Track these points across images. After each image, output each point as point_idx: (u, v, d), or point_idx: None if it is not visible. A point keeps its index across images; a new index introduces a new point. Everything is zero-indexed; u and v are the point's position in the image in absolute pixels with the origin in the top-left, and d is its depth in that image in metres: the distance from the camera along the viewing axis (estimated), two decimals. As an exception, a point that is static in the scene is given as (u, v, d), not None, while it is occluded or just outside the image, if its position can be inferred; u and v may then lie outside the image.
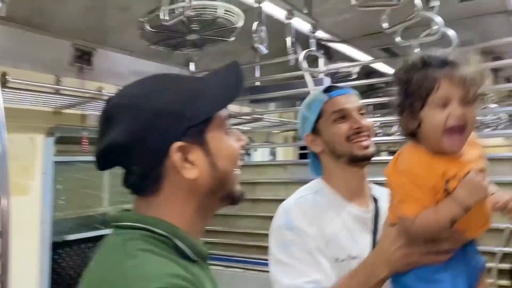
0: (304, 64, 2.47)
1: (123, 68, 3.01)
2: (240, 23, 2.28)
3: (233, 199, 0.82)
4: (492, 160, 2.69)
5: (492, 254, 2.39)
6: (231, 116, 3.89)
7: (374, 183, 1.38)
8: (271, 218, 1.25)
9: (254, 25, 1.88)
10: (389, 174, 0.94)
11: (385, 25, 1.60)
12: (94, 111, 2.74)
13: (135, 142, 0.74)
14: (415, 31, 1.81)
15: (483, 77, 0.89)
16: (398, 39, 1.66)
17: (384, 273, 0.97)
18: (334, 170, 1.26)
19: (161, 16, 1.73)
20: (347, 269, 1.11)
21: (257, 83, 3.60)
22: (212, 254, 3.54)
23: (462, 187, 0.86)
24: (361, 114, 1.27)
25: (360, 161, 1.23)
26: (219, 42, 2.52)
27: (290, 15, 2.20)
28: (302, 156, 4.25)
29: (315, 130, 1.27)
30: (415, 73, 0.89)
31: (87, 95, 2.67)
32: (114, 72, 2.94)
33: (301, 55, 2.57)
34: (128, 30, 2.77)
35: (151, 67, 3.19)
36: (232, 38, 2.44)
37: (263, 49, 1.95)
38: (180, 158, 0.74)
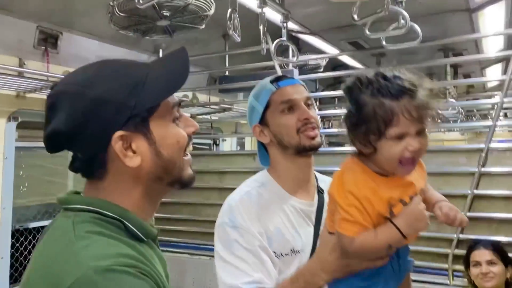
0: (276, 55, 2.50)
1: (90, 53, 2.94)
2: (211, 11, 2.28)
3: (182, 183, 0.83)
4: (451, 152, 2.83)
5: (448, 240, 2.52)
6: (197, 104, 3.88)
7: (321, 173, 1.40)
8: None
9: (228, 12, 1.88)
10: (333, 191, 0.94)
11: (355, 16, 1.64)
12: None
13: (77, 129, 0.75)
14: (382, 25, 1.87)
15: (436, 100, 0.89)
16: (367, 31, 1.71)
17: (323, 281, 1.00)
18: (281, 161, 1.26)
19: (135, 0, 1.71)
20: (291, 263, 1.14)
21: (227, 73, 3.61)
22: (180, 242, 3.58)
23: (404, 217, 0.89)
24: (308, 105, 1.26)
25: (307, 151, 1.23)
26: (189, 29, 2.50)
27: (263, 3, 2.21)
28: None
29: (263, 121, 1.27)
30: (371, 98, 0.87)
31: (52, 79, 2.60)
32: (80, 57, 2.87)
33: (273, 45, 2.59)
34: (96, 14, 2.71)
35: (119, 53, 3.13)
36: (203, 26, 2.43)
37: (237, 37, 1.96)
38: (122, 147, 0.75)
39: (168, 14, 2.29)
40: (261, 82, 1.32)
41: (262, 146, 1.33)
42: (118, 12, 2.17)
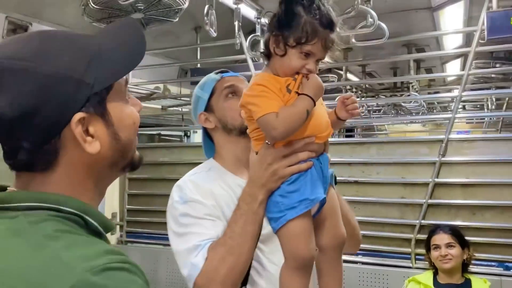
0: (249, 48, 2.57)
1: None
2: (185, 5, 2.31)
3: (133, 166, 0.76)
4: (413, 142, 2.98)
5: (411, 226, 2.68)
6: (169, 96, 3.90)
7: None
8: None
9: (206, 8, 1.92)
10: (245, 93, 1.05)
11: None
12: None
13: (26, 114, 0.62)
14: (350, 21, 1.97)
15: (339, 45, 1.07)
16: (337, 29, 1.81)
17: (261, 195, 1.06)
18: (226, 145, 1.33)
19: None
20: None
21: (198, 65, 3.64)
22: (152, 234, 3.61)
23: (307, 85, 1.03)
24: None
25: None
26: (163, 22, 2.53)
27: (239, 0, 2.27)
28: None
29: (208, 108, 1.34)
30: (306, 14, 1.00)
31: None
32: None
33: (247, 40, 2.66)
34: (66, 5, 2.69)
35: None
36: (176, 19, 2.46)
37: (213, 33, 2.01)
38: (82, 131, 0.65)
39: (142, 7, 2.31)
40: (206, 76, 1.40)
41: (206, 136, 1.40)
42: (92, 4, 2.18)
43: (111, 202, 3.51)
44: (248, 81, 1.12)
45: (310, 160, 1.05)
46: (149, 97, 3.24)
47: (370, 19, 1.79)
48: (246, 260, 1.09)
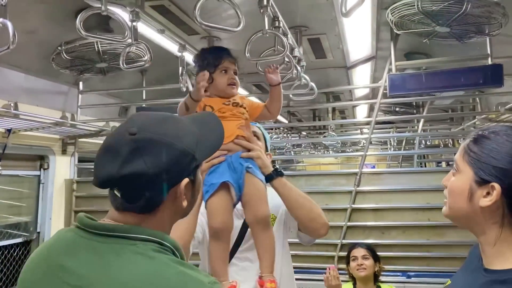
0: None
1: (15, 85, 3.06)
2: (146, 57, 2.67)
3: (186, 214, 0.99)
4: (334, 175, 3.54)
5: (334, 245, 3.18)
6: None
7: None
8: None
9: (180, 69, 2.31)
10: None
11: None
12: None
13: (160, 173, 0.85)
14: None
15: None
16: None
17: None
18: None
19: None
20: None
21: (143, 105, 3.91)
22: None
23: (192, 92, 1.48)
24: None
25: None
26: (121, 69, 2.84)
27: (183, 49, 2.63)
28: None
29: None
30: (210, 53, 1.55)
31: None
32: (7, 89, 2.98)
33: (190, 83, 3.04)
34: (23, 48, 2.89)
35: (42, 84, 3.27)
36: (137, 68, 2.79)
37: (188, 89, 2.39)
38: (183, 191, 0.89)
39: (108, 58, 2.63)
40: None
41: None
42: (65, 55, 2.46)
43: (57, 222, 3.61)
44: None
45: (223, 156, 1.46)
46: (98, 134, 3.48)
47: (304, 81, 2.32)
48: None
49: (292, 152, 6.57)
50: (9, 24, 1.36)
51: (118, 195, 0.87)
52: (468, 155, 0.96)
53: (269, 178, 1.51)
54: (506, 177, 0.89)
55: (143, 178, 0.84)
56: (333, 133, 4.56)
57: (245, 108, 1.53)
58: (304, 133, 6.07)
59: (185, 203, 0.91)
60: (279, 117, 5.04)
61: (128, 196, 0.86)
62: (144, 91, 3.80)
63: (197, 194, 0.98)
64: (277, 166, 1.56)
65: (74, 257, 0.83)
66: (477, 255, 1.00)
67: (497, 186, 0.90)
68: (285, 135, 5.44)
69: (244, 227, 1.57)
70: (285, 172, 1.56)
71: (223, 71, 1.51)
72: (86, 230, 0.86)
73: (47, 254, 0.88)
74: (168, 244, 0.87)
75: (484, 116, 3.72)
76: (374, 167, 7.35)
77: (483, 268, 0.95)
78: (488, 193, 0.91)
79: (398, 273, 3.08)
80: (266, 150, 1.66)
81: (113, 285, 0.78)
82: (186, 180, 0.89)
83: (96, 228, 0.86)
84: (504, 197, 0.90)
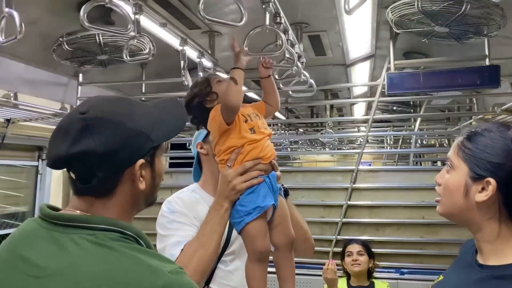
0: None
1: (15, 76, 3.07)
2: (147, 50, 2.68)
3: (152, 203, 1.00)
4: (331, 172, 3.59)
5: (329, 241, 3.22)
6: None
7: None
8: (154, 219, 1.52)
9: (182, 63, 2.32)
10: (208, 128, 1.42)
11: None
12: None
13: (110, 153, 0.84)
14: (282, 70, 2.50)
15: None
16: (281, 85, 2.33)
17: (226, 204, 1.35)
18: (211, 167, 1.60)
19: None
20: None
21: (143, 98, 3.93)
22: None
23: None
24: None
25: None
26: (121, 62, 2.85)
27: (184, 43, 2.64)
28: (172, 165, 4.81)
29: (204, 140, 1.68)
30: (203, 84, 1.42)
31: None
32: (7, 79, 2.99)
33: (191, 78, 3.06)
34: (30, 42, 2.90)
35: (43, 76, 3.28)
36: (136, 61, 2.80)
37: (188, 83, 2.40)
38: (139, 172, 0.88)
39: (108, 50, 2.64)
40: None
41: (197, 163, 1.74)
42: (66, 47, 2.47)
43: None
44: None
45: (261, 177, 1.40)
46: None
47: (303, 77, 2.34)
48: (214, 252, 1.37)
49: (288, 148, 6.60)
50: (16, 14, 1.36)
51: (74, 177, 0.87)
52: (462, 151, 0.98)
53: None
54: (501, 172, 0.92)
55: (93, 157, 0.83)
56: (331, 130, 4.60)
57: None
58: (301, 130, 6.10)
59: (142, 186, 0.89)
60: (277, 114, 5.06)
61: (81, 177, 0.86)
62: (143, 84, 3.82)
63: (158, 179, 0.96)
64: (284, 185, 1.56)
65: (35, 248, 0.83)
66: (469, 251, 1.02)
67: (492, 181, 0.92)
68: (282, 131, 5.47)
69: (230, 230, 1.57)
70: (281, 169, 1.58)
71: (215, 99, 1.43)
72: (47, 221, 0.86)
73: (10, 245, 0.88)
74: (130, 233, 0.86)
75: (480, 116, 3.76)
76: (370, 165, 7.39)
77: (477, 264, 0.97)
78: (483, 189, 0.93)
79: (392, 270, 3.13)
80: None
81: (71, 276, 0.78)
82: (141, 161, 0.88)
83: (56, 218, 0.85)
84: (499, 191, 0.92)
